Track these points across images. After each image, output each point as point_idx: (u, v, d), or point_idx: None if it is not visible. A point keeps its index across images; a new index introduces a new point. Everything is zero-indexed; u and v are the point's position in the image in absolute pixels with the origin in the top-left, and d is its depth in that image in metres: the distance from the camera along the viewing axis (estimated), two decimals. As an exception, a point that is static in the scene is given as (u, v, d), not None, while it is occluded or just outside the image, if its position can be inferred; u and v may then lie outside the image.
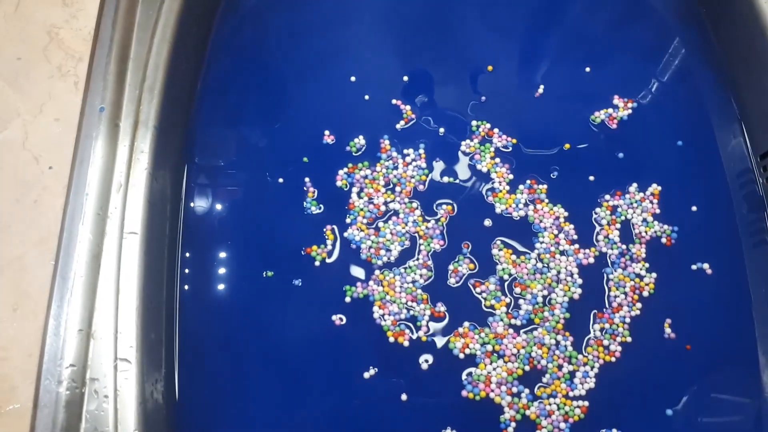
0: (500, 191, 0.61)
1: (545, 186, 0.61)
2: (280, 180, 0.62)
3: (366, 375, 0.55)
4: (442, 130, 0.64)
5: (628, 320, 0.57)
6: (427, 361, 0.55)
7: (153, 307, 0.51)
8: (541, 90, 0.66)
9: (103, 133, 0.53)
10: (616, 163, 0.64)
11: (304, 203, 0.61)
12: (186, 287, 0.57)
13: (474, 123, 0.64)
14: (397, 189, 0.61)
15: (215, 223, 0.60)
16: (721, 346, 0.57)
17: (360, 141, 0.63)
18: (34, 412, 0.44)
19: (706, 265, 0.59)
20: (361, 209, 0.60)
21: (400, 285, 0.57)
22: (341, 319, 0.56)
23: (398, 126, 0.64)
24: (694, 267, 0.59)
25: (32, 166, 0.51)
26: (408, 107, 0.65)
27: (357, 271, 0.58)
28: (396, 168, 0.62)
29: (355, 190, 0.61)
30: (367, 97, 0.65)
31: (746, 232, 0.61)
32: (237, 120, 0.65)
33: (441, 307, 0.56)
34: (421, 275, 0.57)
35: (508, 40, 0.70)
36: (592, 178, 0.62)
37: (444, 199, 0.61)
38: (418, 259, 0.58)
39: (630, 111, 0.66)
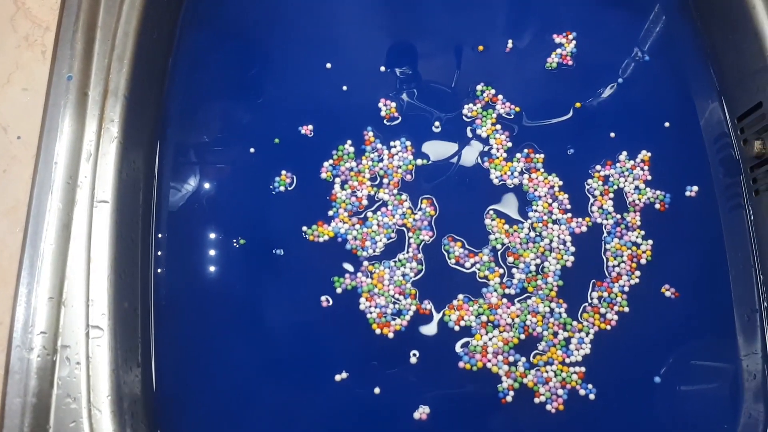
0: (497, 158, 0.62)
1: (542, 155, 0.62)
2: (252, 150, 0.62)
3: (336, 377, 0.56)
4: (437, 123, 0.64)
5: (627, 289, 0.58)
6: (415, 354, 0.56)
7: (126, 276, 0.52)
8: (510, 45, 0.67)
9: (72, 102, 0.53)
10: (603, 132, 0.65)
11: (272, 185, 0.61)
12: (162, 258, 0.58)
13: (479, 87, 0.65)
14: (385, 181, 0.62)
15: (190, 197, 0.62)
16: (703, 311, 0.59)
17: (348, 148, 0.63)
18: (6, 378, 0.46)
19: (695, 188, 0.61)
20: (344, 201, 0.60)
21: (389, 278, 0.58)
22: (328, 301, 0.57)
23: (385, 121, 0.64)
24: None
25: (0, 136, 0.51)
26: (393, 104, 0.64)
27: (344, 262, 0.59)
28: (381, 160, 0.62)
29: (338, 181, 0.62)
30: (345, 87, 0.65)
31: (723, 196, 0.61)
32: (211, 95, 0.66)
33: (428, 305, 0.57)
34: (411, 269, 0.58)
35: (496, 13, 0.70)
36: (612, 137, 0.64)
37: (434, 180, 0.62)
38: (408, 252, 0.58)
39: (574, 42, 0.67)
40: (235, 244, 0.59)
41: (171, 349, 0.56)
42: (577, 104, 0.65)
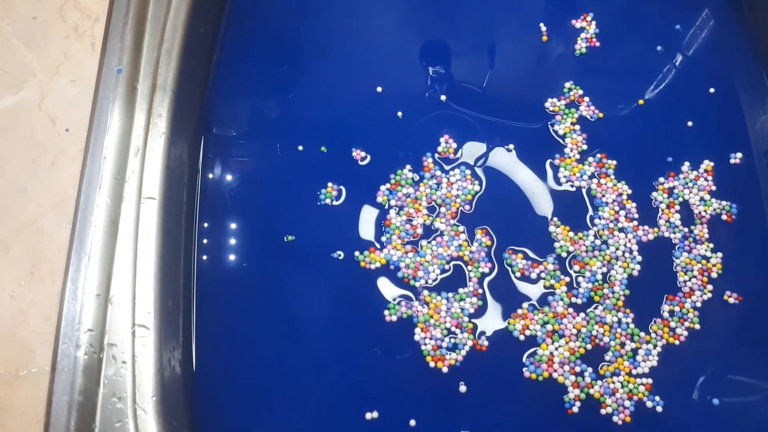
0: (569, 157, 0.63)
1: (614, 162, 0.62)
2: (300, 147, 0.62)
3: (369, 416, 0.54)
4: (511, 146, 0.64)
5: (699, 305, 0.58)
6: (463, 383, 0.55)
7: (170, 273, 0.53)
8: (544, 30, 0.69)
9: (121, 95, 0.54)
10: (662, 139, 0.64)
11: (320, 193, 0.61)
12: (204, 256, 0.58)
13: (567, 85, 0.66)
14: (442, 210, 0.61)
15: (232, 193, 0.62)
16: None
17: (407, 173, 0.62)
18: (53, 375, 0.46)
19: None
20: (397, 227, 0.60)
21: (446, 310, 0.57)
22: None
23: (437, 156, 0.64)
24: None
25: (49, 128, 0.51)
26: (454, 145, 0.64)
27: (393, 288, 0.58)
28: (439, 188, 0.62)
29: (393, 203, 0.61)
30: (400, 114, 0.65)
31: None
32: (252, 95, 0.66)
33: (485, 341, 0.57)
34: (471, 304, 0.58)
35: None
36: (669, 159, 0.63)
37: (496, 198, 0.62)
38: (468, 286, 0.58)
39: (594, 23, 0.68)
40: (285, 239, 0.59)
41: (213, 346, 0.56)
42: (641, 101, 0.65)
